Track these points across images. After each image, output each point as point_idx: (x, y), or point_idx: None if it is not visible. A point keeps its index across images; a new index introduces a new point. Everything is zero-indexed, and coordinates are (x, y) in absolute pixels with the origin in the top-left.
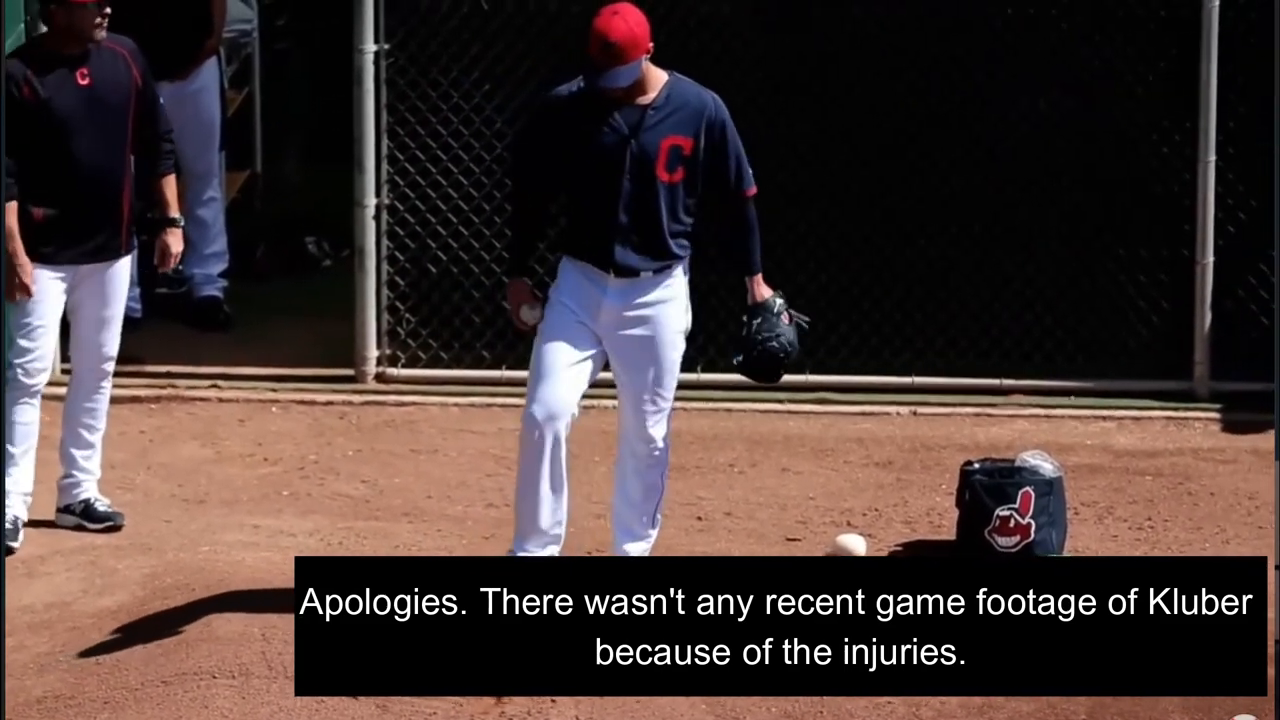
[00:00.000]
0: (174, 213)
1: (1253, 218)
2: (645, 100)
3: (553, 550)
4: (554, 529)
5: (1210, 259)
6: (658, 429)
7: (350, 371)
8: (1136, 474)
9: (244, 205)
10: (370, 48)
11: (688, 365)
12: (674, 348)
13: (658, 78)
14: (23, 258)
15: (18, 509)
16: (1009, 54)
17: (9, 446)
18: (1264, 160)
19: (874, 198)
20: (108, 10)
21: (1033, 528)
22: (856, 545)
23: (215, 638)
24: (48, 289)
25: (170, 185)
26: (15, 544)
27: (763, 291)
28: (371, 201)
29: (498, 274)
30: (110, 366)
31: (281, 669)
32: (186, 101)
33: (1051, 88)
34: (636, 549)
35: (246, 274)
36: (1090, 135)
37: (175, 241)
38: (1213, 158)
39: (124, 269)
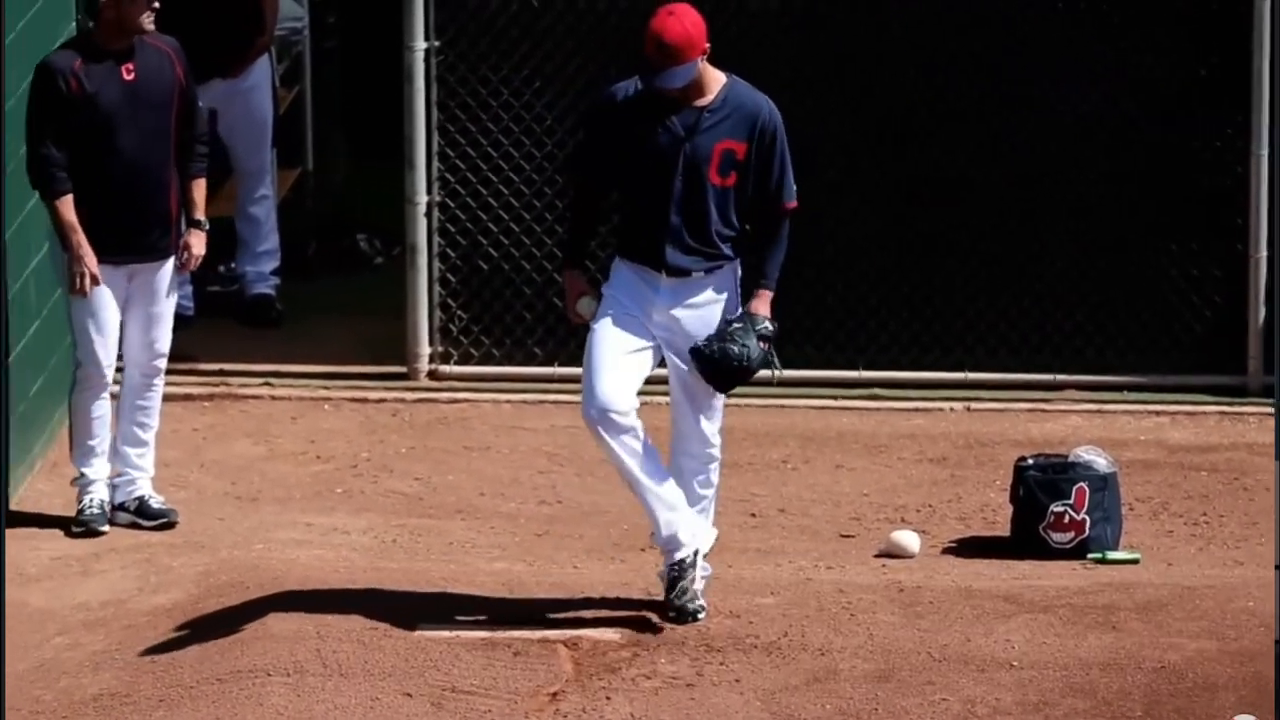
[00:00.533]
0: (199, 215)
1: None
2: (702, 102)
3: (688, 521)
4: (680, 503)
5: (1263, 253)
6: (711, 427)
7: (402, 369)
8: (1191, 469)
9: (295, 203)
10: (421, 45)
11: None
12: None
13: (715, 79)
14: (86, 248)
15: (103, 494)
16: (1061, 48)
17: (89, 440)
18: None
19: (927, 194)
20: (156, 4)
21: (1087, 524)
22: (911, 542)
23: (269, 635)
24: (102, 286)
25: (200, 188)
26: (104, 528)
27: (763, 308)
28: (423, 199)
29: (549, 270)
30: (162, 364)
31: (336, 666)
32: (238, 99)
33: (1104, 81)
34: (694, 524)
35: (298, 272)
36: (1142, 129)
37: (198, 244)
38: (1265, 151)
39: (170, 269)
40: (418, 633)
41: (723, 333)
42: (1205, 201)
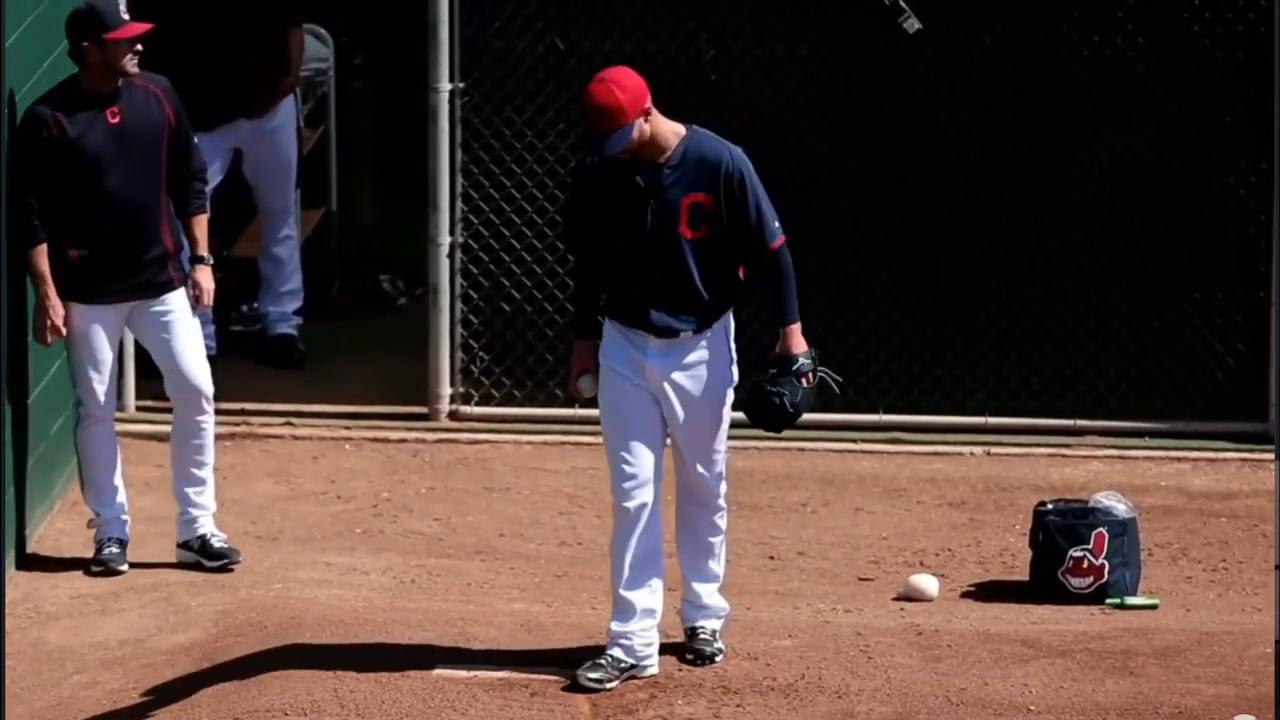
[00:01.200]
0: (203, 250)
1: None
2: (662, 159)
3: (648, 625)
4: (653, 604)
5: None
6: (715, 482)
7: (424, 409)
8: (1211, 516)
9: (319, 243)
10: (445, 86)
11: None
12: (721, 403)
13: (672, 133)
14: (54, 299)
15: (117, 531)
16: (1085, 95)
17: (97, 477)
18: None
19: (948, 237)
20: (139, 47)
21: (1106, 569)
22: (929, 585)
23: (287, 675)
24: (95, 326)
25: (201, 224)
26: (122, 567)
27: (793, 345)
28: (446, 239)
29: (571, 312)
30: (203, 401)
31: (353, 706)
32: (263, 140)
33: (1127, 129)
34: (707, 590)
35: (321, 312)
36: (1167, 177)
37: (205, 279)
38: None
39: (179, 303)
40: (435, 673)
41: (760, 386)
42: (1229, 249)
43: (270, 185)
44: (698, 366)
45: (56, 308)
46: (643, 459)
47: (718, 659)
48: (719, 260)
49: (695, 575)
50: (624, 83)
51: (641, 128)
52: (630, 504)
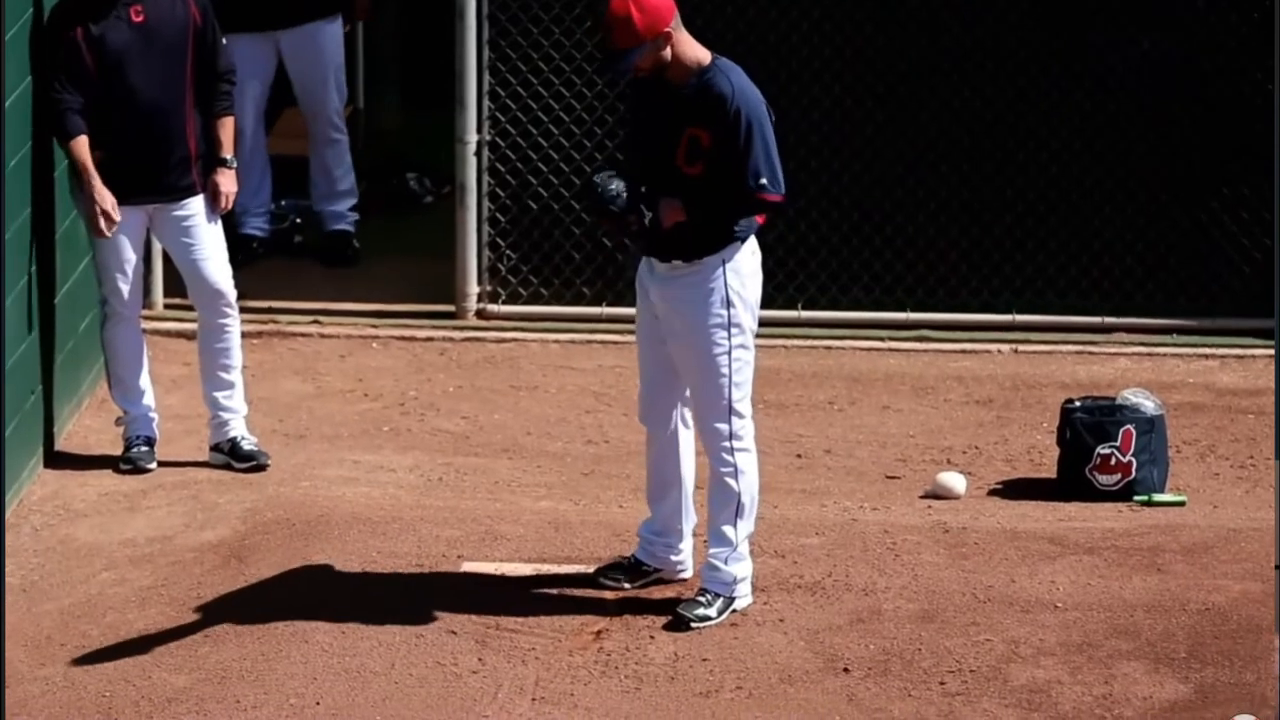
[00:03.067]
0: (226, 153)
1: None
2: (681, 87)
3: (670, 541)
4: (661, 526)
5: None
6: (714, 433)
7: (451, 308)
8: (1239, 412)
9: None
10: None
11: (788, 304)
12: (709, 341)
13: (695, 62)
14: (99, 189)
15: (145, 429)
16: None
17: (123, 374)
18: None
19: (974, 137)
20: None
21: (1134, 466)
22: (957, 483)
23: (314, 573)
24: (121, 227)
25: (226, 126)
26: (151, 465)
27: (670, 208)
28: (473, 138)
29: None
30: (227, 305)
31: (380, 603)
32: (307, 42)
33: (1153, 29)
34: (717, 554)
35: None
36: (1193, 74)
37: (227, 182)
38: None
39: (201, 206)
40: (462, 571)
41: (614, 183)
42: (1255, 144)
43: (314, 89)
44: (685, 298)
45: (105, 197)
46: (650, 383)
47: (692, 627)
48: (715, 200)
49: (710, 531)
50: (645, 1)
51: (657, 52)
52: (645, 424)
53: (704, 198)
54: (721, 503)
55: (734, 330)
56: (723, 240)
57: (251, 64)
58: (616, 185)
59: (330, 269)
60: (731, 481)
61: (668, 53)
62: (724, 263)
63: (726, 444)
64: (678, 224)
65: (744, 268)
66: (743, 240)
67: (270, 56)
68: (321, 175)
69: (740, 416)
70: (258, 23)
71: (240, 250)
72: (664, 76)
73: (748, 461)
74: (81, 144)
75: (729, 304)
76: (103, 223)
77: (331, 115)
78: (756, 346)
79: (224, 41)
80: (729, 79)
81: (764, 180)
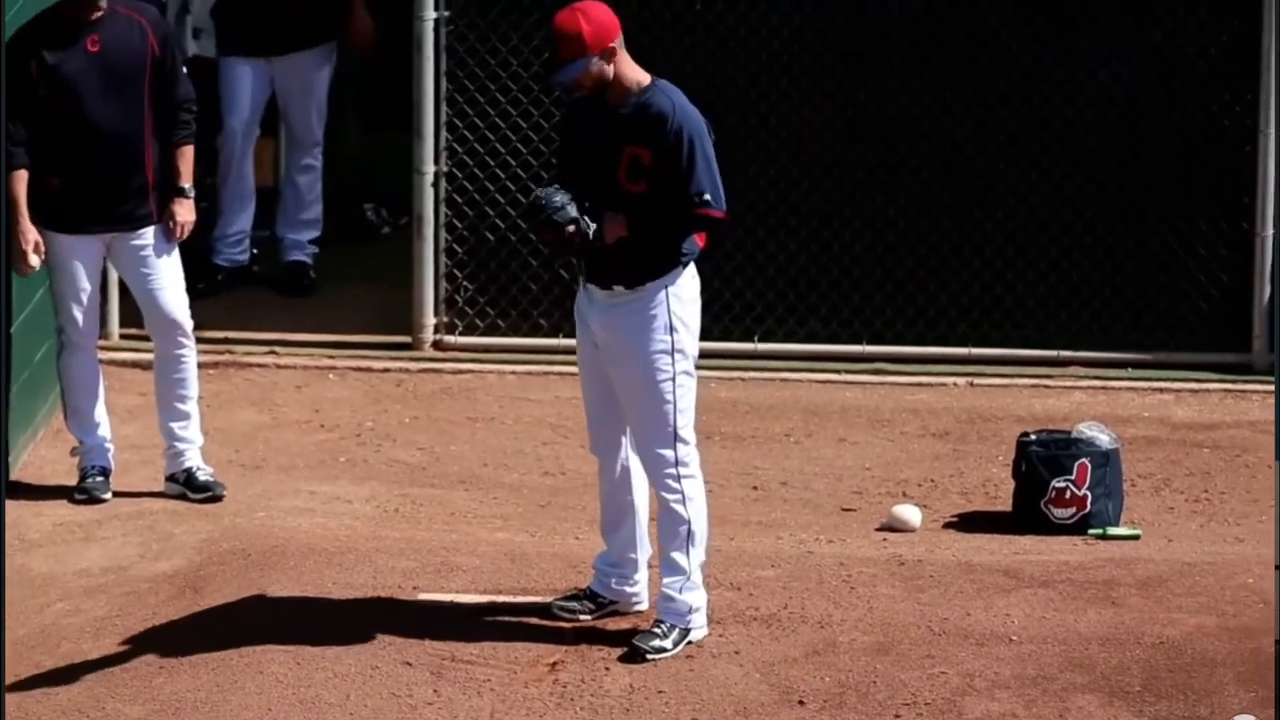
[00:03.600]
0: (184, 182)
1: None
2: (619, 105)
3: (624, 572)
4: (616, 557)
5: (1270, 231)
6: (657, 459)
7: (407, 339)
8: (1194, 446)
9: None
10: (430, 15)
11: (745, 335)
12: (651, 369)
13: (635, 83)
14: (24, 225)
15: (100, 459)
16: (1068, 25)
17: (80, 404)
18: None
19: (931, 168)
20: None
21: (1089, 499)
22: (912, 516)
23: (270, 603)
24: (78, 255)
25: (185, 156)
26: (106, 495)
27: (614, 223)
28: (430, 169)
29: None
30: (183, 335)
31: (336, 634)
32: (298, 69)
33: (1112, 59)
34: (670, 584)
35: None
36: (1151, 106)
37: (184, 211)
38: (1274, 130)
39: (159, 236)
40: (418, 602)
41: (560, 197)
42: (1212, 179)
43: (300, 115)
44: (628, 325)
45: (27, 233)
46: (596, 414)
47: (648, 658)
48: (658, 217)
49: (661, 562)
50: (592, 14)
51: (601, 66)
52: (594, 454)
53: (647, 215)
54: (671, 531)
55: (678, 356)
56: (666, 265)
57: (244, 89)
58: (561, 198)
59: (287, 298)
60: (679, 508)
61: (610, 70)
62: (666, 288)
63: (672, 470)
64: (620, 241)
65: (685, 293)
66: (685, 265)
67: (264, 83)
68: (292, 201)
69: (685, 443)
70: (254, 48)
71: (205, 280)
72: (602, 97)
73: (694, 488)
74: (18, 179)
75: (672, 330)
76: (21, 263)
77: (312, 144)
78: (714, 378)
79: (184, 70)
80: (669, 98)
81: (707, 196)
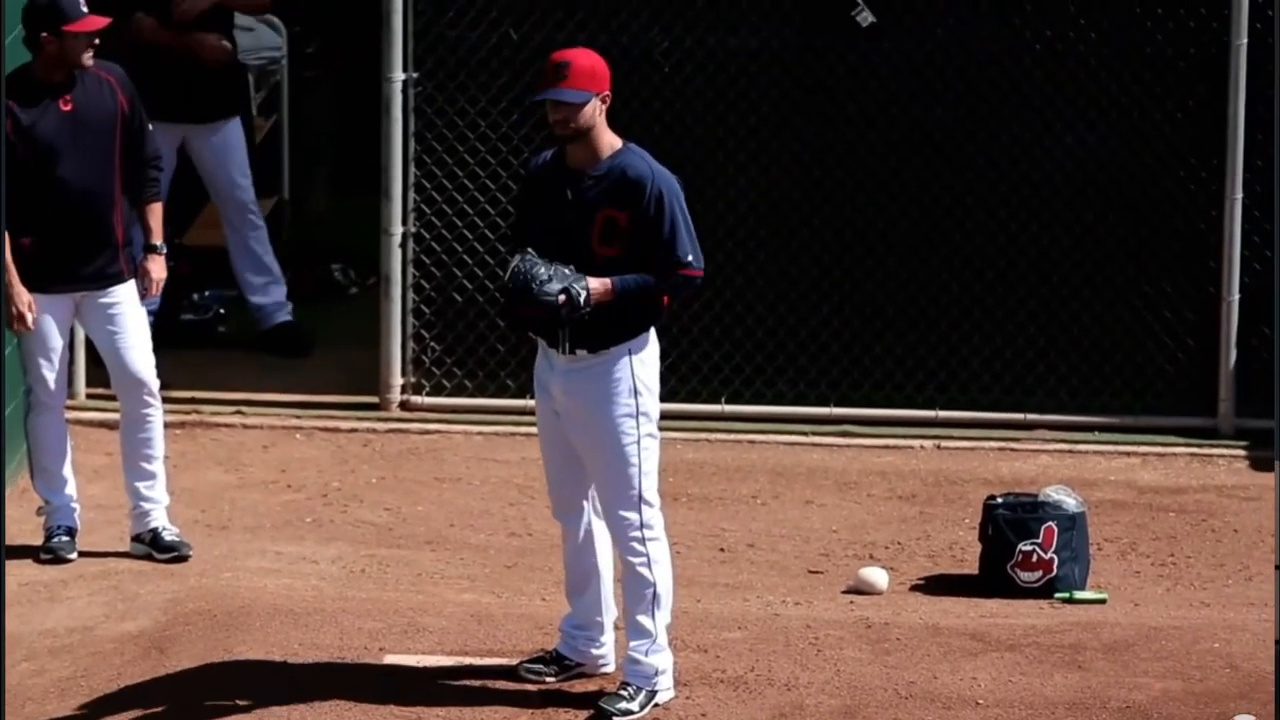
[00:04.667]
0: (156, 239)
1: (1278, 255)
2: (590, 168)
3: (591, 634)
4: (581, 620)
5: (1236, 296)
6: (623, 523)
7: (374, 399)
8: (1160, 510)
9: (271, 232)
10: (399, 76)
11: (712, 397)
12: (616, 433)
13: (609, 145)
14: (18, 289)
15: (66, 519)
16: (1036, 90)
17: (46, 464)
18: None
19: (898, 231)
20: (97, 41)
21: (1055, 563)
22: (879, 579)
23: (236, 664)
24: (48, 315)
25: (155, 213)
26: (72, 555)
27: (593, 281)
28: (398, 229)
29: None
30: (150, 394)
31: (302, 695)
32: (216, 137)
33: (1079, 124)
34: (636, 647)
35: None
36: (1118, 171)
37: (157, 268)
38: (1239, 195)
39: (127, 295)
40: (385, 663)
41: (542, 261)
42: (1179, 244)
43: (226, 180)
44: (591, 390)
45: (21, 294)
46: (557, 479)
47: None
48: (641, 278)
49: (627, 624)
50: (597, 59)
51: (596, 109)
52: (558, 520)
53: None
54: (636, 594)
55: (642, 419)
56: (632, 329)
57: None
58: (544, 269)
59: (287, 359)
60: (645, 571)
61: (599, 121)
62: (630, 352)
63: (637, 533)
64: (603, 305)
65: (648, 356)
66: (649, 328)
67: (174, 146)
68: (248, 266)
69: (649, 505)
70: (163, 114)
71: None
72: (561, 162)
73: (660, 550)
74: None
75: (636, 393)
76: (17, 324)
77: (247, 203)
78: (680, 439)
79: (150, 127)
80: (645, 161)
81: (690, 257)
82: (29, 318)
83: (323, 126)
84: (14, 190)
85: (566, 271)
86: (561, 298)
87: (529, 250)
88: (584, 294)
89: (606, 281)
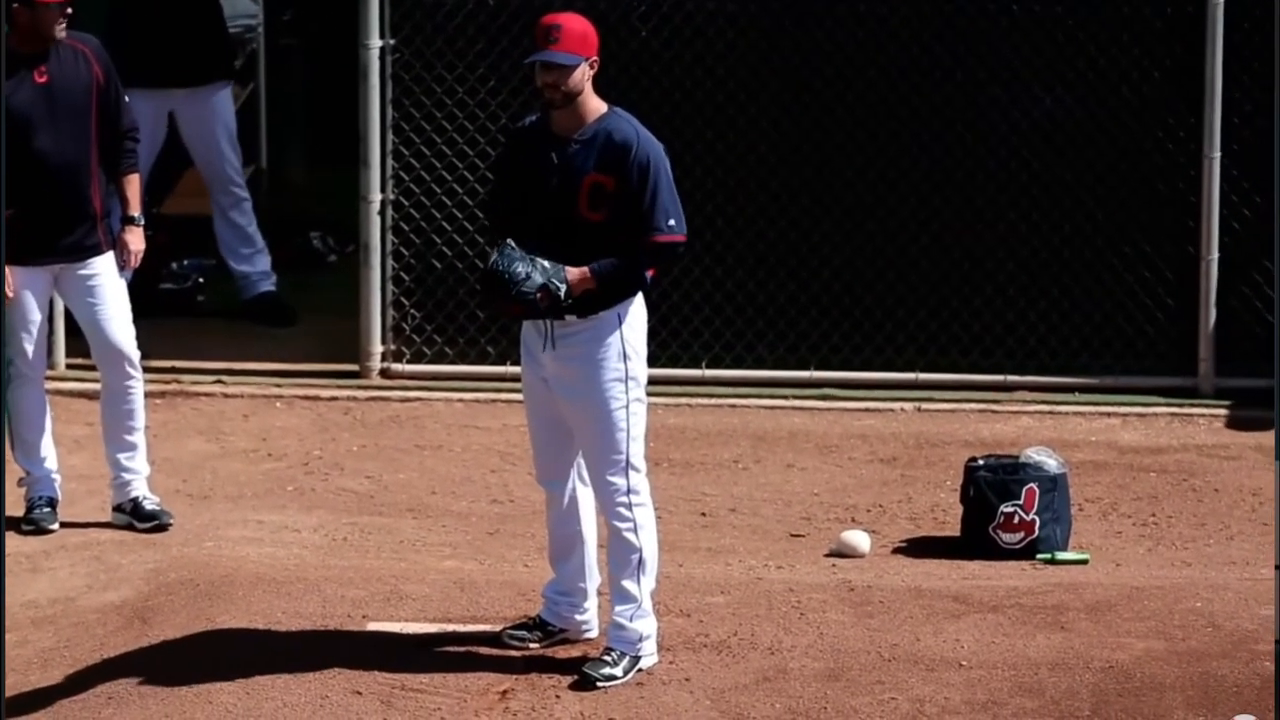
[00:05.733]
0: (134, 211)
1: (1257, 214)
2: (575, 133)
3: (574, 600)
4: (565, 586)
5: (1215, 255)
6: (610, 488)
7: (355, 367)
8: (1141, 470)
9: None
10: (376, 43)
11: (692, 362)
12: (605, 397)
13: (595, 110)
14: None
15: (48, 489)
16: (1013, 51)
17: (27, 435)
18: (1268, 157)
19: (877, 194)
20: (69, 10)
21: (1037, 524)
22: (861, 542)
23: (219, 633)
24: (27, 287)
25: (133, 184)
26: (53, 526)
27: (571, 271)
28: (377, 197)
29: None
30: (130, 365)
31: (285, 664)
32: (203, 104)
33: (1056, 85)
34: (621, 612)
35: None
36: (1095, 132)
37: (135, 240)
38: (1218, 154)
39: (105, 266)
40: (367, 630)
41: (520, 255)
42: (1157, 204)
43: (210, 149)
44: (583, 356)
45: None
46: (544, 445)
47: (598, 685)
48: (617, 247)
49: (612, 589)
50: (588, 25)
51: (585, 73)
52: (543, 486)
53: (607, 243)
54: (622, 559)
55: (631, 384)
56: (628, 290)
57: (142, 123)
58: (521, 266)
59: (273, 329)
60: (631, 537)
61: (586, 86)
62: (619, 316)
63: (624, 499)
64: (587, 291)
65: (636, 320)
66: (636, 293)
67: (162, 116)
68: (233, 237)
69: (637, 471)
70: (150, 80)
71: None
72: (549, 128)
73: (646, 516)
74: None
75: (626, 357)
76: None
77: (232, 175)
78: (661, 405)
79: (126, 99)
80: (632, 125)
81: (672, 222)
82: (8, 288)
83: (298, 95)
84: None
85: (545, 265)
86: (539, 294)
87: (508, 243)
88: (563, 287)
89: (585, 270)
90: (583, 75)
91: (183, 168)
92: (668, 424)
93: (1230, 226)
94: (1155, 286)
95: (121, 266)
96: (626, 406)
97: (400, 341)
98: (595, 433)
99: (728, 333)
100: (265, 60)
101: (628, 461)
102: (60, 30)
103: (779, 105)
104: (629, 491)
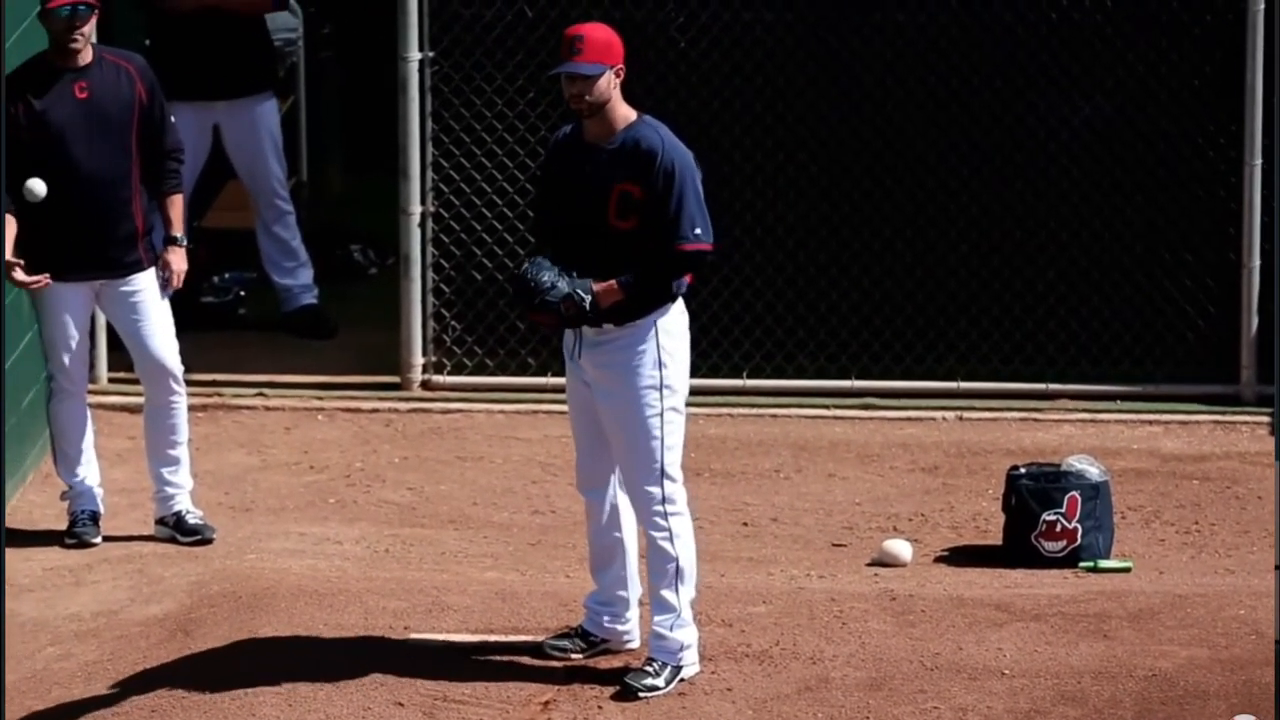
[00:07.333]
0: (176, 231)
1: None
2: (605, 141)
3: (616, 610)
4: (606, 596)
5: (1256, 263)
6: (646, 497)
7: (396, 379)
8: (1183, 478)
9: None
10: (415, 55)
11: (733, 372)
12: (641, 405)
13: (624, 118)
14: (17, 274)
15: (90, 503)
16: (1054, 59)
17: (68, 449)
18: None
19: (917, 203)
20: (78, 24)
21: (1079, 532)
22: (903, 551)
23: (261, 645)
24: (68, 302)
25: (175, 204)
26: (96, 540)
27: (598, 285)
28: (417, 209)
29: None
30: (174, 381)
31: (328, 676)
32: (247, 114)
33: (1097, 92)
34: (661, 621)
35: None
36: (1136, 139)
37: (177, 260)
38: (1259, 161)
39: (148, 283)
40: (410, 642)
41: (548, 265)
42: (1199, 211)
43: (254, 161)
44: (618, 363)
45: (19, 272)
46: (585, 451)
47: (640, 696)
48: (648, 256)
49: (651, 599)
50: (612, 34)
51: (611, 81)
52: (582, 493)
53: (638, 252)
54: (659, 569)
55: (666, 392)
56: (657, 300)
57: (186, 136)
58: (548, 275)
59: (311, 341)
60: (667, 546)
61: (613, 94)
62: (656, 323)
63: (660, 508)
64: (615, 303)
65: (675, 327)
66: (674, 299)
67: (206, 129)
68: (276, 250)
69: (672, 480)
70: (194, 92)
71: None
72: (580, 136)
73: (682, 525)
74: (9, 223)
75: (661, 365)
76: (40, 282)
77: (276, 187)
78: (702, 415)
79: (172, 119)
80: (658, 133)
81: (698, 231)
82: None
83: (338, 107)
84: (31, 176)
85: (572, 277)
86: (564, 304)
87: (539, 257)
88: (588, 299)
89: (612, 283)
90: (608, 84)
91: (223, 180)
92: (709, 434)
93: (1271, 233)
94: (1196, 294)
95: (163, 285)
96: (661, 414)
97: (441, 353)
98: (630, 440)
99: (768, 342)
100: (305, 73)
101: (662, 470)
102: (74, 41)
103: (817, 115)
104: (664, 500)
